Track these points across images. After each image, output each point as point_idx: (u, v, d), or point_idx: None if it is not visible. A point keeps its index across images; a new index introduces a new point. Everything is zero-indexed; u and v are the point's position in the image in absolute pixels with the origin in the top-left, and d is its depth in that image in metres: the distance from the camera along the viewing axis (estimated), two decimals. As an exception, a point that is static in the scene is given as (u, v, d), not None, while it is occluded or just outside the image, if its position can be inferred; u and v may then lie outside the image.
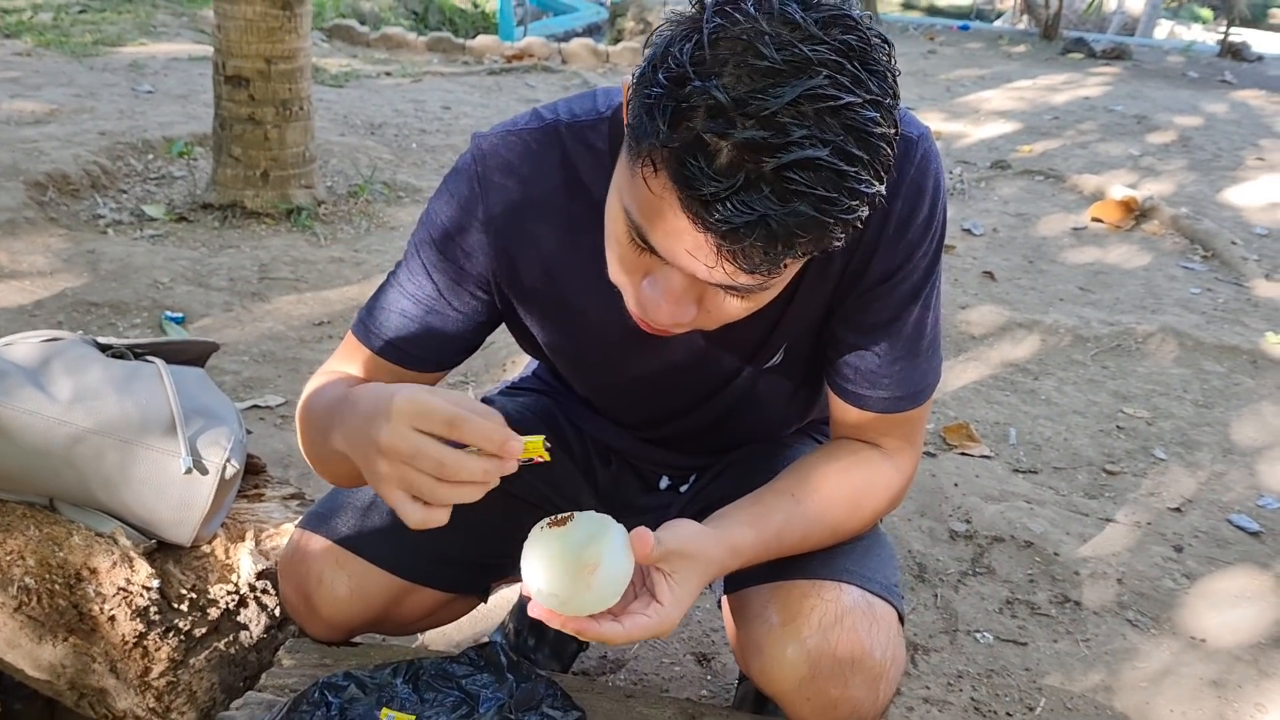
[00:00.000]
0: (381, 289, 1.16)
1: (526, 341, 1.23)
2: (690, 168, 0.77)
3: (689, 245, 0.82)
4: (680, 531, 0.98)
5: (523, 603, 1.67)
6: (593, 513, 0.96)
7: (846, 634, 1.06)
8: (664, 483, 1.37)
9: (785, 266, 0.83)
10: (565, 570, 0.92)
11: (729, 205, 0.76)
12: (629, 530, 0.95)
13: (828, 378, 1.15)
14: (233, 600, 1.38)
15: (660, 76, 0.78)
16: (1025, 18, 13.34)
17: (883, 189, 0.81)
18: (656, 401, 1.24)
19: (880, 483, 1.13)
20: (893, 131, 0.80)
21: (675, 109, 0.77)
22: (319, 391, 1.13)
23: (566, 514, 0.96)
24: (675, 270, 0.87)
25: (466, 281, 1.12)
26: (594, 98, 1.08)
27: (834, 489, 1.10)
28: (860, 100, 0.77)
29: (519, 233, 1.09)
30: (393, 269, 1.16)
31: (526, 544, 0.95)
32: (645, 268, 0.89)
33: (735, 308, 0.91)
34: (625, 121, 0.85)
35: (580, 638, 0.91)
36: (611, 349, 1.15)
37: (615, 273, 0.94)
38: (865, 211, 0.81)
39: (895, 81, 0.81)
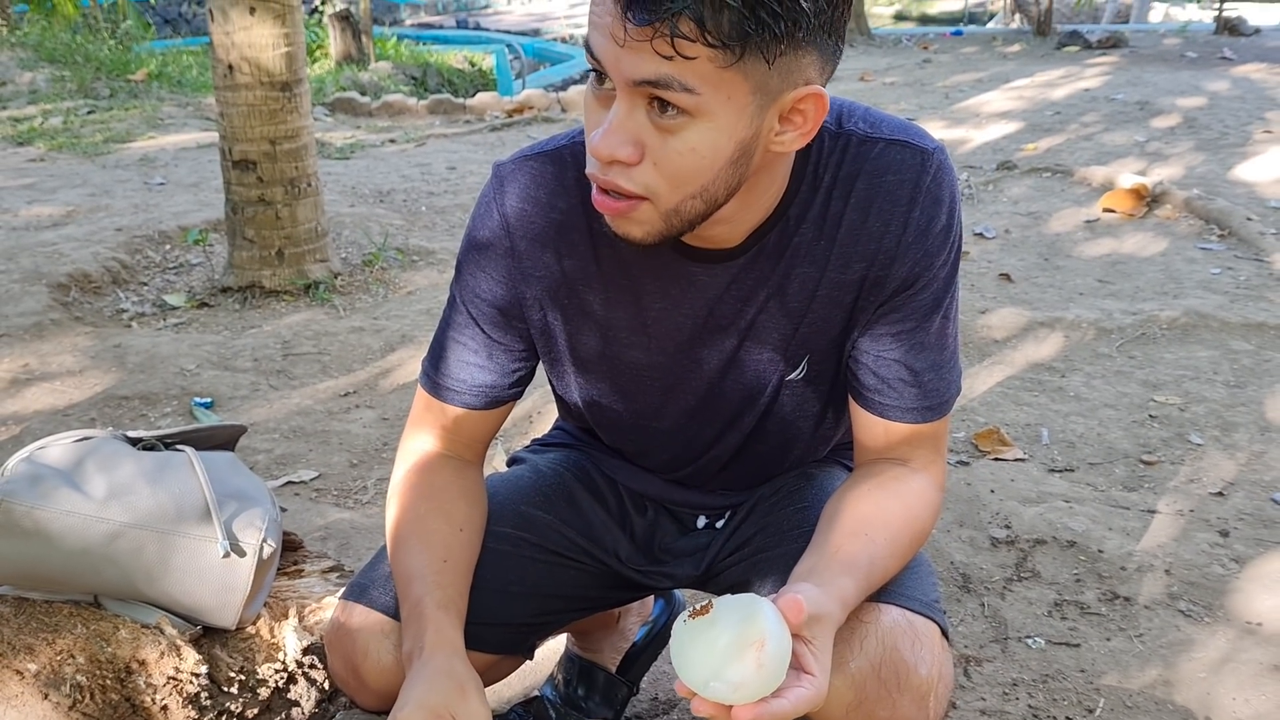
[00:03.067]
0: (437, 337, 1.23)
1: (558, 371, 1.25)
2: None
3: (605, 20, 0.89)
4: (805, 594, 0.95)
5: (570, 653, 1.67)
6: (729, 596, 0.92)
7: (889, 654, 1.06)
8: (701, 521, 1.38)
9: (693, 42, 0.85)
10: (733, 655, 0.87)
11: None
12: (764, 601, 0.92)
13: (853, 392, 1.16)
14: (281, 678, 1.39)
15: None
16: (1017, 16, 13.38)
17: (804, 4, 0.86)
18: (685, 427, 1.25)
19: (926, 500, 1.14)
20: None
21: None
22: (406, 536, 1.20)
23: (704, 603, 0.91)
24: (615, 101, 0.92)
25: (507, 314, 1.18)
26: None
27: (894, 517, 1.10)
28: None
29: (544, 253, 1.14)
30: (444, 312, 1.23)
31: (675, 642, 0.91)
32: (601, 122, 0.94)
33: (674, 153, 0.92)
34: None
35: None
36: (641, 360, 1.18)
37: (589, 154, 0.97)
38: (774, 6, 0.85)
39: None
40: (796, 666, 0.92)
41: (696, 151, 0.93)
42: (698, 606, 0.91)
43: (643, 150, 0.93)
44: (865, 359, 1.13)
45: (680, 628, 0.91)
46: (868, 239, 1.07)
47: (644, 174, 0.94)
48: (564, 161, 1.13)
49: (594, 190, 0.99)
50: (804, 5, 0.87)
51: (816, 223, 1.08)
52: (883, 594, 1.09)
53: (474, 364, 1.20)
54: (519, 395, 1.25)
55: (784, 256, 1.09)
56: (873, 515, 1.08)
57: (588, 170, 0.98)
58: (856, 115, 1.09)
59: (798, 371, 1.16)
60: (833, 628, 0.97)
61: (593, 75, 0.95)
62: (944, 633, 1.13)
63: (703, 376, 1.18)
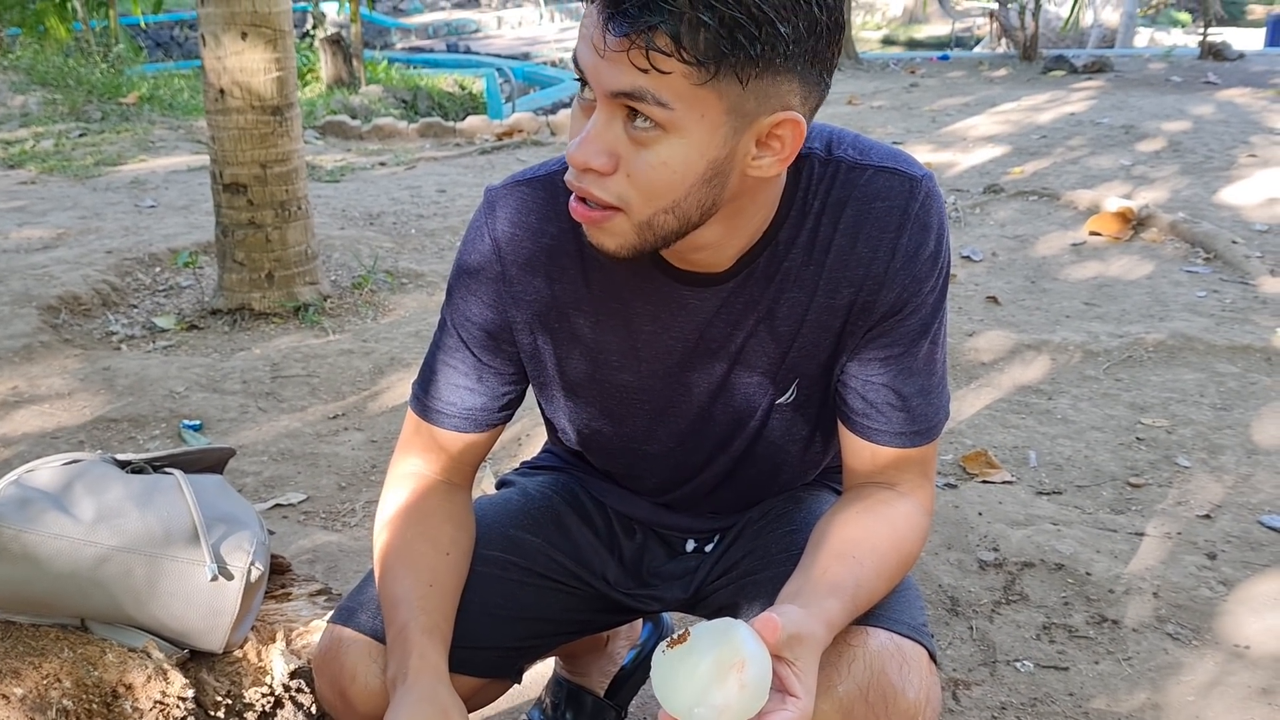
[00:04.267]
0: (428, 361, 1.23)
1: (548, 395, 1.25)
2: None
3: (589, 31, 0.92)
4: (787, 615, 0.96)
5: (558, 677, 1.67)
6: (705, 622, 0.93)
7: (877, 678, 1.06)
8: (690, 545, 1.38)
9: (668, 56, 0.88)
10: (714, 680, 0.87)
11: None
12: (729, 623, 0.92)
13: (841, 416, 1.17)
14: (268, 702, 1.39)
15: None
16: (1003, 41, 13.49)
17: (783, 30, 0.88)
18: (675, 451, 1.25)
19: (913, 524, 1.14)
20: None
21: None
22: (393, 561, 1.19)
23: (681, 632, 0.92)
24: (595, 109, 0.94)
25: (497, 337, 1.19)
26: None
27: (881, 540, 1.10)
28: None
29: (533, 280, 1.15)
30: (434, 335, 1.23)
31: (656, 673, 0.91)
32: (580, 131, 0.97)
33: (646, 166, 0.94)
34: None
35: None
36: (631, 383, 1.18)
37: (567, 155, 0.99)
38: (751, 30, 0.87)
39: None
40: (780, 689, 0.92)
41: (668, 165, 0.94)
42: (674, 636, 0.91)
43: (617, 161, 0.95)
44: (853, 383, 1.13)
45: (659, 658, 0.91)
46: (856, 264, 1.08)
47: (617, 184, 0.96)
48: (555, 187, 1.14)
49: (571, 198, 1.00)
50: (782, 30, 0.88)
51: (805, 248, 1.09)
52: (870, 617, 1.09)
53: (464, 387, 1.21)
54: (508, 418, 1.26)
55: (773, 281, 1.10)
56: (860, 538, 1.09)
57: (566, 177, 1.00)
58: (846, 142, 1.10)
59: (787, 395, 1.17)
60: (817, 649, 0.97)
61: (580, 85, 0.97)
62: (932, 656, 1.13)
63: (693, 400, 1.19)
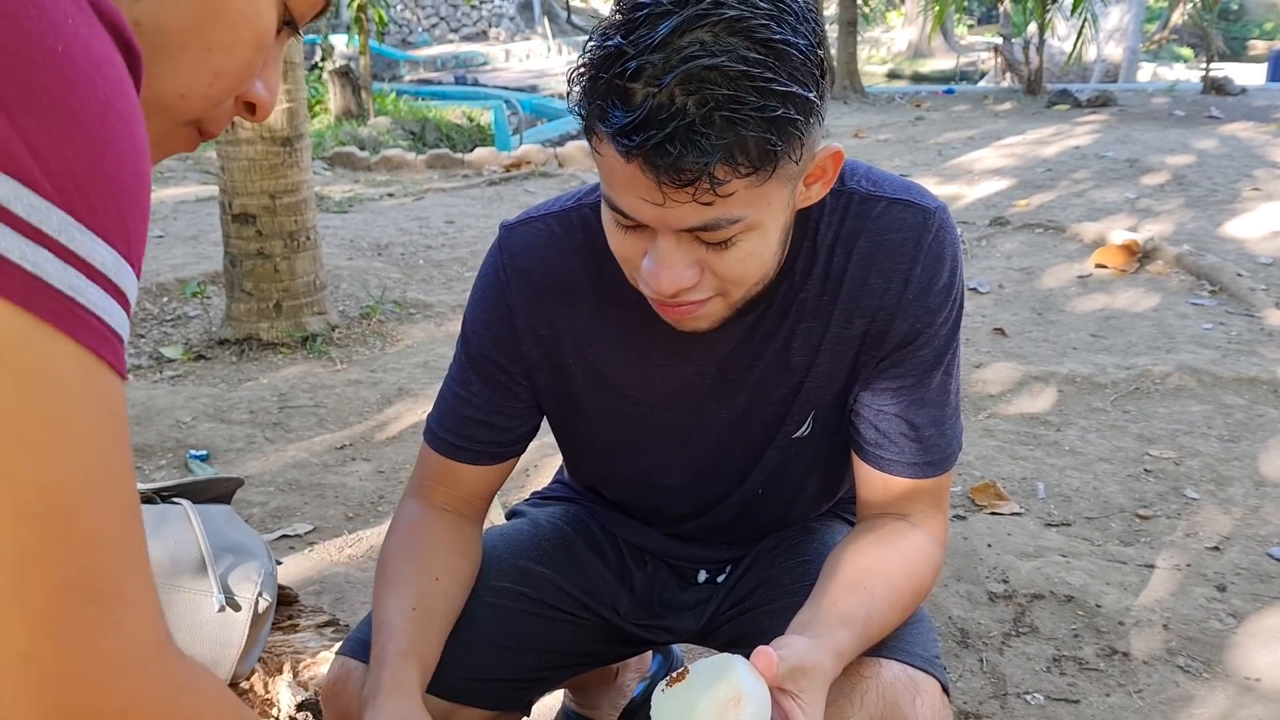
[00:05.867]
0: (442, 394, 1.23)
1: (564, 429, 1.26)
2: (610, 111, 0.87)
3: (636, 187, 0.89)
4: (792, 646, 0.96)
5: (567, 709, 1.66)
6: (704, 659, 0.93)
7: (890, 710, 1.06)
8: (702, 576, 1.37)
9: (729, 181, 0.87)
10: (711, 717, 0.88)
11: (646, 127, 0.85)
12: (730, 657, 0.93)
13: (854, 446, 1.17)
14: (276, 734, 1.38)
15: (579, 63, 0.90)
16: (1008, 75, 13.58)
17: (810, 95, 0.88)
18: (691, 484, 1.25)
19: (926, 555, 1.14)
20: (801, 42, 0.88)
21: (591, 77, 0.89)
22: (381, 588, 1.17)
23: (680, 669, 0.92)
24: (658, 235, 0.94)
25: (511, 371, 1.18)
26: None
27: (893, 570, 1.10)
28: (751, 14, 0.86)
29: (548, 315, 1.15)
30: (449, 369, 1.23)
31: (655, 711, 0.91)
32: (639, 248, 0.96)
33: (734, 262, 0.95)
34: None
35: None
36: (649, 417, 1.18)
37: (626, 270, 1.01)
38: (789, 113, 0.87)
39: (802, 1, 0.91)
40: None
41: (754, 254, 0.96)
42: (674, 674, 0.92)
43: (701, 267, 0.96)
44: (866, 413, 1.13)
45: (658, 696, 0.91)
46: (869, 295, 1.08)
47: (710, 281, 0.97)
48: (571, 223, 1.14)
49: (657, 303, 1.01)
50: (810, 96, 0.89)
51: (820, 279, 1.09)
52: (883, 649, 1.09)
53: (478, 420, 1.20)
54: (522, 451, 1.25)
55: (789, 313, 1.11)
56: (872, 569, 1.08)
57: (648, 294, 1.00)
58: (859, 174, 1.11)
59: (804, 428, 1.17)
60: (824, 680, 0.96)
61: (610, 211, 0.96)
62: (944, 688, 1.12)
63: (711, 433, 1.19)
